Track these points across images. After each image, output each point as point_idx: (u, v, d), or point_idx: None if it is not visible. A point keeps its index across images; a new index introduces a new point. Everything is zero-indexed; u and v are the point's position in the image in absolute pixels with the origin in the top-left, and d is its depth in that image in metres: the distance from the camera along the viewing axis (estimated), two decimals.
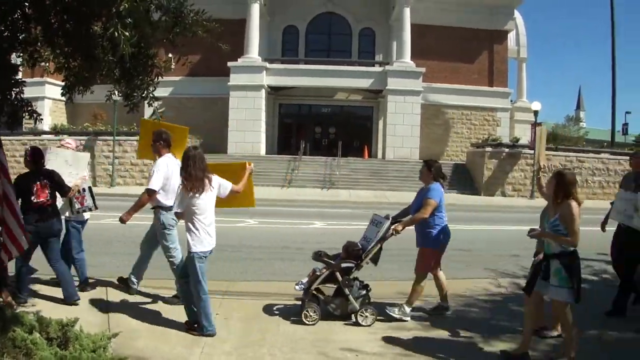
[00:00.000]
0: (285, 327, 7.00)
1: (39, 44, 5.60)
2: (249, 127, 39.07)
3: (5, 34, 4.97)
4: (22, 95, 5.37)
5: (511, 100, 47.12)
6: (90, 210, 8.20)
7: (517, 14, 47.48)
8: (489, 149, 34.21)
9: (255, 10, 39.67)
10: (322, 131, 46.25)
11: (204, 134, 41.35)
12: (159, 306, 7.24)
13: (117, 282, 8.25)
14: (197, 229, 6.55)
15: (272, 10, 44.04)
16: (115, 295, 7.97)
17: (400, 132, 39.00)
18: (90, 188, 8.23)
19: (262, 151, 39.97)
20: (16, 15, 5.12)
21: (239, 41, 38.74)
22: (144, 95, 5.88)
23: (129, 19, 4.23)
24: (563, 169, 6.24)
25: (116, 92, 6.11)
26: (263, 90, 39.89)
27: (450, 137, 43.74)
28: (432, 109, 42.64)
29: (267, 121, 41.30)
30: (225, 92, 39.48)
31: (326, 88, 41.24)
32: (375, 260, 7.50)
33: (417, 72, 39.85)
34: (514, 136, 39.34)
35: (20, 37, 5.34)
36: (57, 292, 7.70)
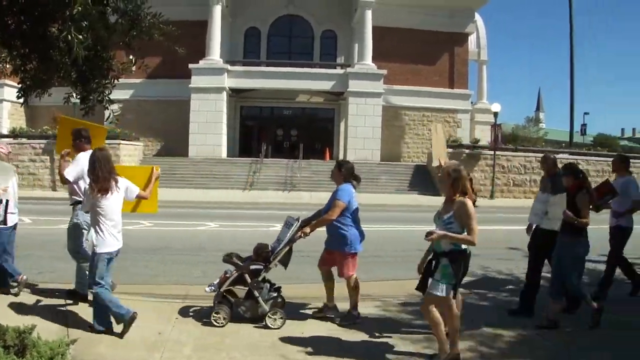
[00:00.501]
0: (245, 330, 6.96)
1: None
2: (210, 130, 38.90)
3: None
4: None
5: (472, 102, 47.62)
6: None
7: (477, 16, 48.03)
8: (449, 150, 34.46)
9: (217, 12, 39.54)
10: (284, 133, 46.22)
11: (165, 137, 41.13)
12: None
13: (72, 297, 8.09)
14: (102, 230, 6.50)
15: (234, 12, 43.92)
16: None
17: (362, 133, 39.15)
18: (7, 202, 7.97)
19: (224, 154, 39.82)
20: None
21: (201, 43, 38.69)
22: (100, 98, 5.82)
23: (84, 22, 4.19)
24: (459, 166, 6.22)
25: (74, 95, 6.05)
26: (224, 93, 39.85)
27: (412, 139, 43.95)
28: (393, 110, 42.87)
29: (228, 123, 41.23)
30: (186, 95, 39.25)
31: (288, 90, 41.27)
32: (284, 262, 7.46)
33: (378, 74, 40.11)
34: (474, 137, 39.85)
35: None
36: (14, 300, 7.61)
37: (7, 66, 6.00)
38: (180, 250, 12.90)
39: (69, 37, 3.99)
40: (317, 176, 34.78)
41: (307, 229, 7.35)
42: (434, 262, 6.09)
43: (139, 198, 7.13)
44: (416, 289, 6.26)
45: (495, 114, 36.35)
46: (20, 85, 5.74)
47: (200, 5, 39.63)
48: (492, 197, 32.66)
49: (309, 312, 7.87)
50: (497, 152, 34.31)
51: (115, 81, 6.02)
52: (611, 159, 34.24)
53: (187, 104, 39.30)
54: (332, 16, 45.20)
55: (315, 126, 46.51)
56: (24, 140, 31.92)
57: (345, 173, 7.64)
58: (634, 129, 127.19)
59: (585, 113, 59.89)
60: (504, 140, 41.15)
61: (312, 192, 31.64)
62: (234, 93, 42.18)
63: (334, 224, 7.41)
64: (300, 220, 7.50)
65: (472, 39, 48.99)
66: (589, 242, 7.36)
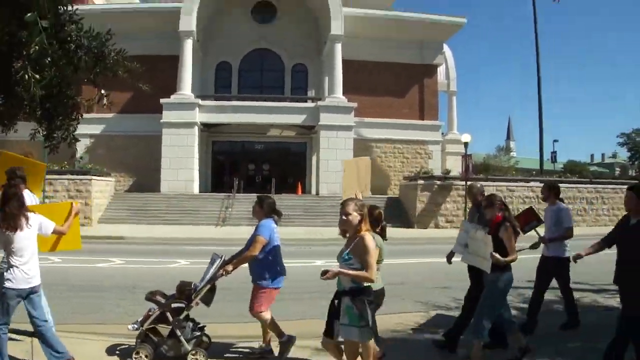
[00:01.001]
0: None
1: None
2: (181, 165, 38.68)
3: None
4: None
5: (442, 133, 48.02)
6: None
7: (446, 48, 48.70)
8: (421, 181, 34.67)
9: (188, 46, 39.64)
10: (256, 168, 46.11)
11: (137, 172, 40.77)
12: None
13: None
14: (12, 267, 6.36)
15: (205, 46, 44.07)
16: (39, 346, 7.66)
17: (333, 167, 39.08)
18: None
19: (196, 189, 39.56)
20: None
21: (173, 77, 38.88)
22: (64, 136, 5.73)
23: (48, 59, 4.12)
24: (363, 202, 6.17)
25: (40, 131, 5.97)
26: (196, 127, 39.67)
27: (383, 171, 44.00)
28: (364, 143, 42.98)
29: (200, 159, 41.00)
30: (158, 130, 39.08)
31: (259, 124, 41.34)
32: (206, 301, 7.34)
33: (348, 107, 40.33)
34: (446, 168, 40.06)
35: None
36: None
37: None
38: (150, 288, 12.71)
39: (26, 76, 3.91)
40: (289, 211, 34.58)
41: (229, 267, 7.26)
42: (336, 302, 5.89)
43: (57, 234, 6.99)
44: (324, 333, 6.10)
45: (466, 144, 36.64)
46: None
47: (171, 40, 39.89)
48: None
49: (235, 350, 7.73)
50: (469, 183, 34.45)
51: (80, 117, 5.92)
52: (582, 185, 34.46)
53: (158, 139, 39.09)
54: (302, 50, 45.56)
55: (287, 160, 46.52)
56: None
57: (267, 209, 7.56)
58: (603, 155, 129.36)
59: (555, 140, 60.77)
60: (474, 170, 41.49)
61: (285, 227, 31.43)
62: (206, 128, 42.10)
63: (255, 260, 7.33)
64: (223, 258, 7.41)
65: (441, 70, 49.68)
66: (512, 276, 7.15)
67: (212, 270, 7.24)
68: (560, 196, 9.38)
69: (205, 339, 7.42)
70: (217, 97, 43.31)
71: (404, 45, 44.49)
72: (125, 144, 41.30)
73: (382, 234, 6.88)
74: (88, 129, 39.26)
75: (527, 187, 35.58)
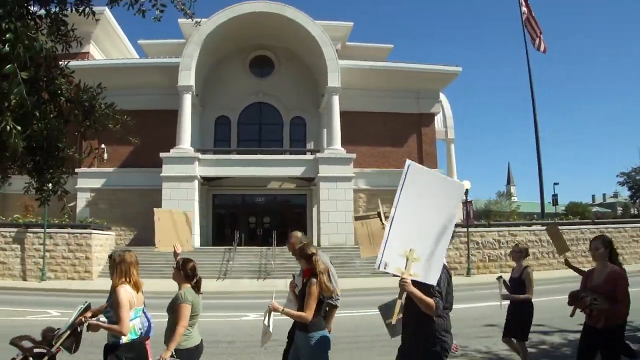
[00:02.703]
0: None
1: None
2: None
3: None
4: None
5: None
6: None
7: (442, 96, 49.03)
8: None
9: (187, 100, 40.02)
10: (257, 221, 46.00)
11: (137, 226, 40.59)
12: None
13: None
14: None
15: (204, 100, 44.44)
16: None
17: (334, 218, 39.13)
18: None
19: (197, 243, 39.22)
20: None
21: (173, 130, 39.31)
22: (54, 189, 5.71)
23: (36, 112, 4.12)
24: (123, 251, 6.26)
25: (33, 184, 5.95)
26: (196, 181, 39.77)
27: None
28: (365, 193, 43.04)
29: (201, 212, 40.93)
30: (158, 183, 39.19)
31: (259, 177, 41.45)
32: (68, 347, 6.85)
33: (347, 159, 40.50)
34: None
35: None
36: None
37: None
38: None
39: (7, 127, 3.88)
40: (291, 263, 34.39)
41: (88, 314, 6.95)
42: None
43: None
44: None
45: (466, 191, 36.66)
46: None
47: (170, 94, 40.34)
48: (468, 274, 32.63)
49: None
50: (470, 229, 34.46)
51: (70, 170, 5.90)
52: (584, 227, 34.12)
53: (159, 193, 39.11)
54: (300, 103, 45.94)
55: (288, 212, 46.41)
56: None
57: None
58: (604, 195, 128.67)
59: (555, 183, 60.29)
60: (476, 216, 41.41)
61: (287, 279, 31.22)
62: (206, 181, 42.18)
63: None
64: (87, 304, 7.10)
65: (438, 118, 49.92)
66: (326, 336, 6.55)
67: (73, 316, 7.12)
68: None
69: None
70: (216, 151, 43.58)
71: (400, 95, 44.86)
72: (126, 197, 41.22)
73: (197, 288, 6.70)
74: (89, 182, 39.75)
75: (529, 230, 35.61)
